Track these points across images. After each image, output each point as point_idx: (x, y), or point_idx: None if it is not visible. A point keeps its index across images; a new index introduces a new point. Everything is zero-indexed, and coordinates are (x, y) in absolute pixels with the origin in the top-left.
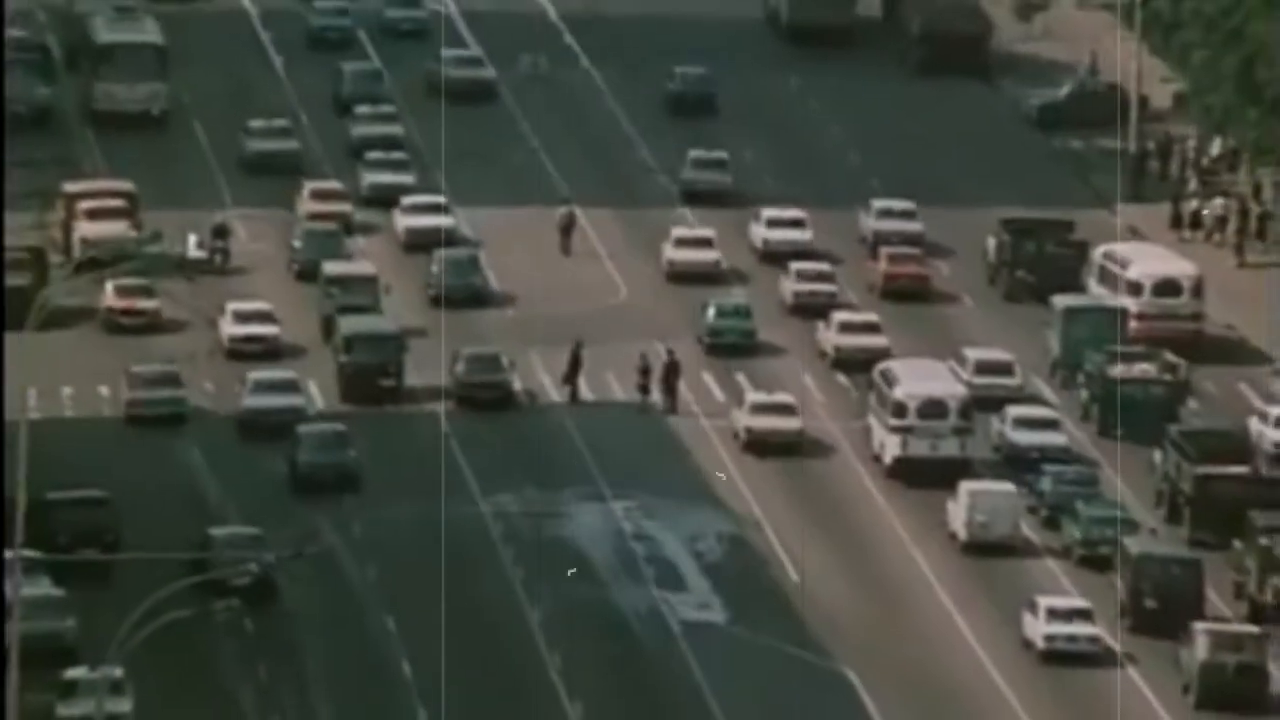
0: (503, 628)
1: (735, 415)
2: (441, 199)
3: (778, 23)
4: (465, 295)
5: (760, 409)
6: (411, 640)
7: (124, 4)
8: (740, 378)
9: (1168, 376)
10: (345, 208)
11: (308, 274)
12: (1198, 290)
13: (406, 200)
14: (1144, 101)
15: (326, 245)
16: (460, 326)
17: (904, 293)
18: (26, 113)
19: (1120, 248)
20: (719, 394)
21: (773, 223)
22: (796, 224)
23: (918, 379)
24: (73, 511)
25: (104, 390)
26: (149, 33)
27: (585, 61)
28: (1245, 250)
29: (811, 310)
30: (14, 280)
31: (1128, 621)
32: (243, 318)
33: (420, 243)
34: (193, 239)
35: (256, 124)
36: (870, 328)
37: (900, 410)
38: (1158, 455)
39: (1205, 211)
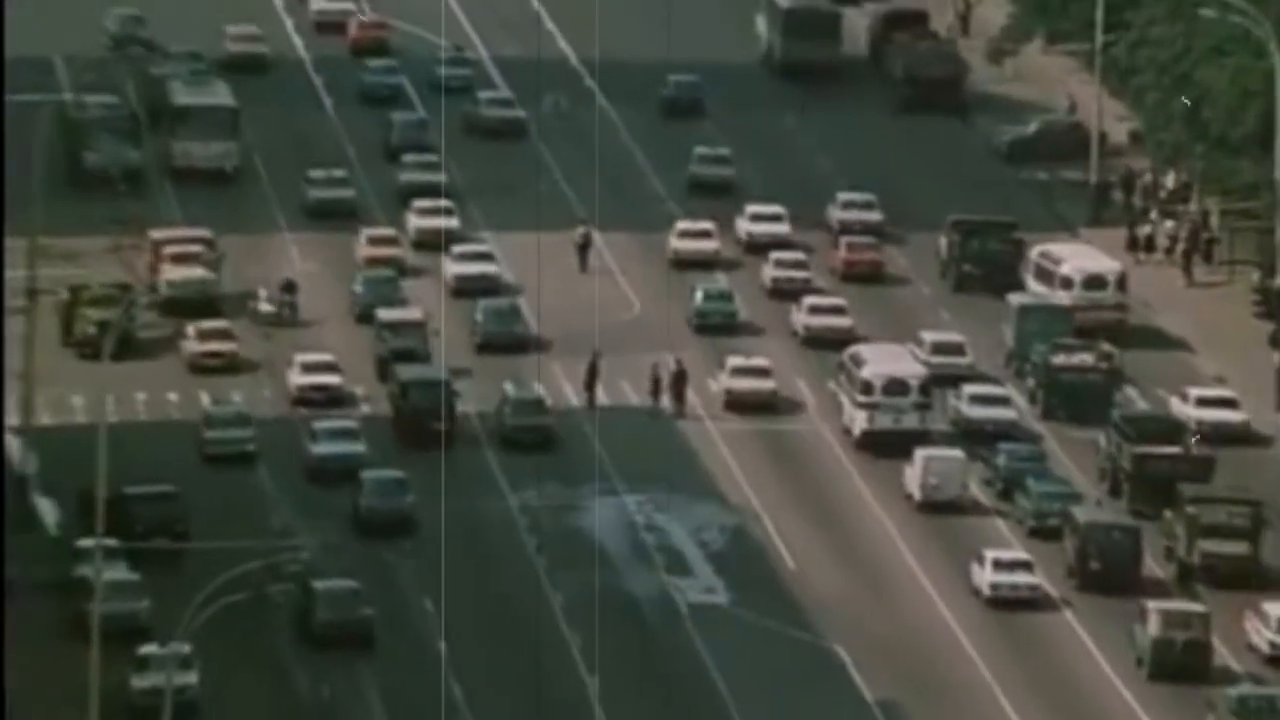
0: (530, 610)
1: (719, 378)
2: (486, 247)
3: (771, 61)
4: (507, 341)
5: (739, 372)
6: (450, 622)
7: (198, 68)
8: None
9: (1103, 365)
10: (398, 252)
11: (366, 318)
12: (1121, 284)
13: (456, 249)
14: (1104, 138)
15: (383, 290)
16: (502, 369)
17: (862, 276)
18: (117, 173)
19: (1054, 247)
20: (706, 366)
21: (756, 217)
22: (776, 218)
23: (882, 361)
24: (147, 504)
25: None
26: (221, 95)
27: (602, 100)
28: (1193, 270)
29: (788, 293)
30: (103, 314)
31: (1075, 580)
32: (308, 369)
33: (467, 288)
34: (263, 293)
35: (316, 174)
36: (836, 310)
37: (867, 389)
38: (1102, 438)
39: (1158, 236)
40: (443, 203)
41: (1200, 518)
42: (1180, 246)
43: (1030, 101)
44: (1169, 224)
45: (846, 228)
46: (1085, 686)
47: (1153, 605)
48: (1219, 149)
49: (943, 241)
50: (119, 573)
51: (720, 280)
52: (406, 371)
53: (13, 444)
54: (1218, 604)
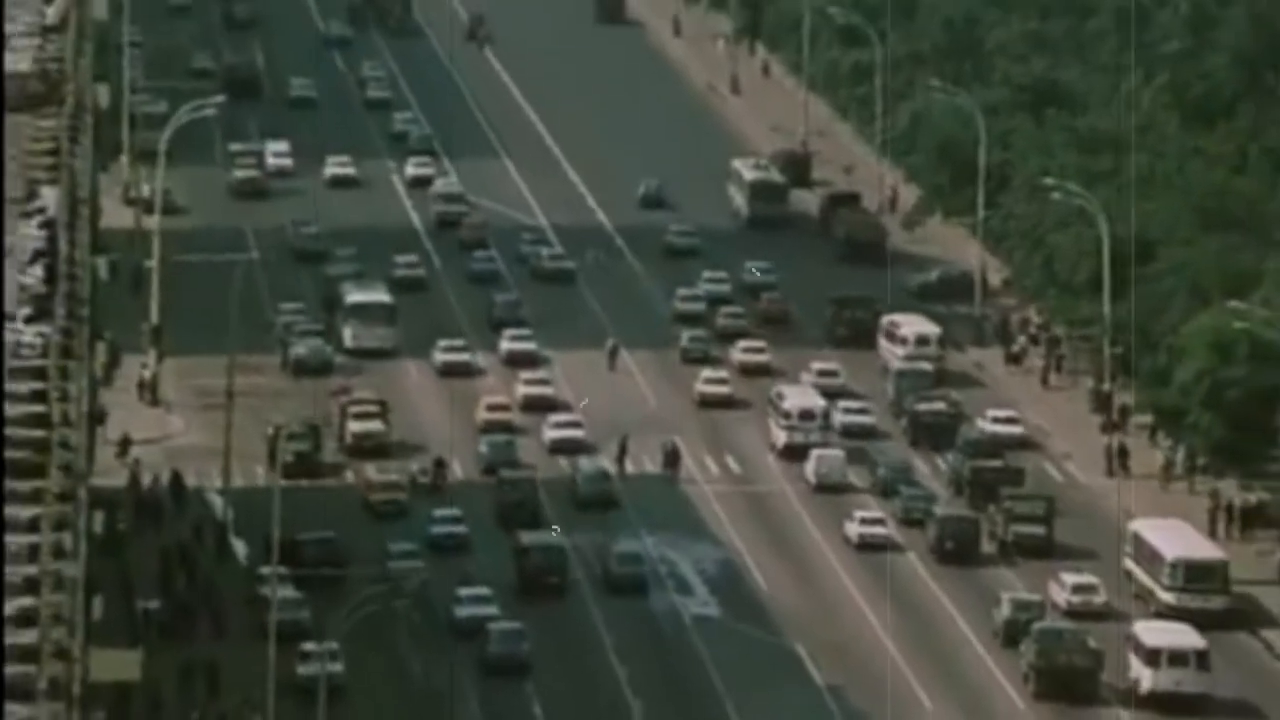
0: (577, 621)
1: (695, 386)
2: (578, 418)
3: (739, 217)
4: (602, 500)
5: (708, 381)
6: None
7: (360, 269)
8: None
9: (952, 409)
10: (510, 416)
11: (490, 471)
12: (942, 343)
13: (553, 418)
14: (985, 283)
15: (504, 451)
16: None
17: (772, 319)
18: (318, 366)
19: (897, 316)
20: (690, 385)
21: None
22: (723, 282)
23: (796, 397)
24: (314, 546)
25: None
26: (382, 294)
27: (629, 255)
28: (1049, 378)
29: (731, 335)
30: (300, 446)
31: (935, 556)
32: (442, 520)
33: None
34: (415, 467)
35: (443, 343)
36: (760, 350)
37: (787, 416)
38: (951, 455)
39: (1025, 354)
40: (541, 373)
41: (1013, 509)
42: (1039, 362)
43: (933, 257)
44: (1027, 344)
45: (762, 286)
46: (936, 622)
47: (1005, 595)
48: (1065, 292)
49: (827, 312)
50: (287, 592)
51: (701, 332)
52: (528, 538)
53: (216, 499)
54: (1029, 571)
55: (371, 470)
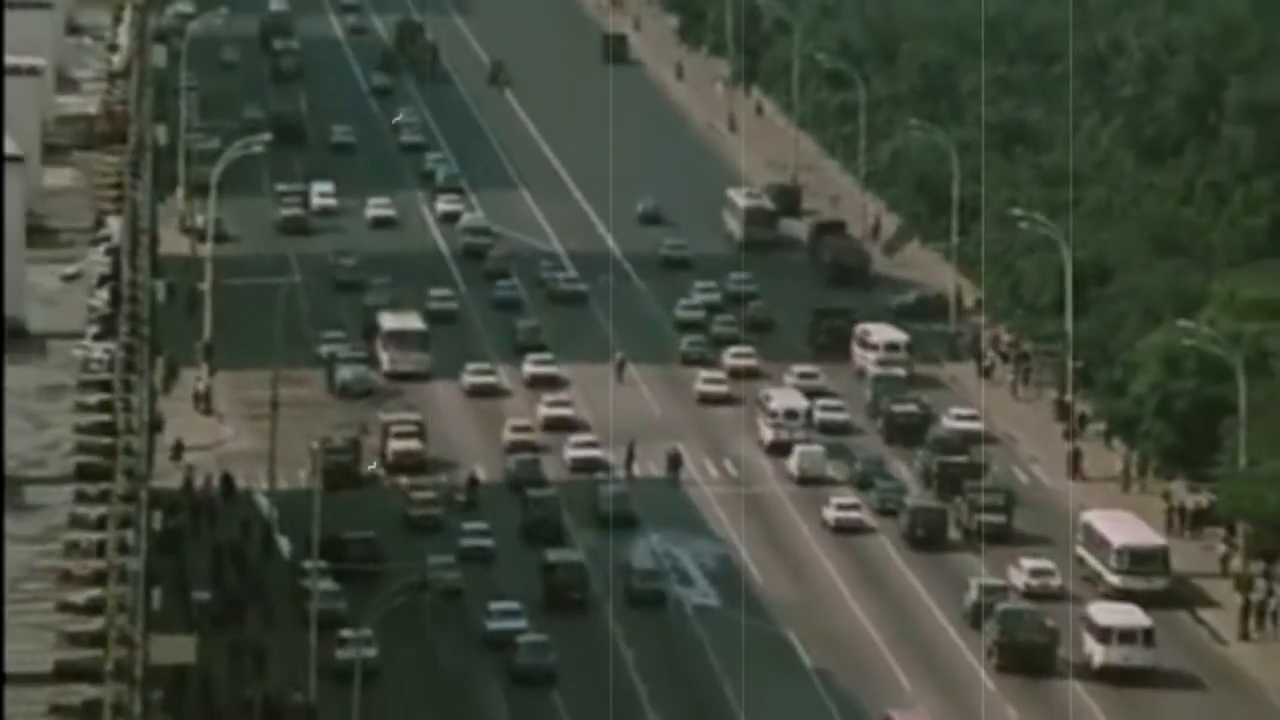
0: (591, 608)
1: (695, 385)
2: (594, 440)
3: (733, 241)
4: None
5: (706, 381)
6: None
7: (396, 297)
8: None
9: (922, 410)
10: (533, 437)
11: (516, 487)
12: (910, 349)
13: (573, 439)
14: (960, 304)
15: (529, 469)
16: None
17: (759, 324)
18: (362, 390)
19: (869, 326)
20: (689, 393)
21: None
22: (713, 291)
23: (781, 398)
24: (357, 544)
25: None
26: (416, 321)
27: (635, 277)
28: (1018, 390)
29: (725, 340)
30: (341, 459)
31: (907, 543)
32: (472, 534)
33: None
34: (448, 481)
35: (472, 366)
36: (749, 355)
37: (774, 415)
38: (921, 452)
39: (996, 368)
40: (562, 395)
41: (976, 500)
42: (1009, 376)
43: (912, 280)
44: (996, 360)
45: (748, 294)
46: (910, 603)
47: (972, 580)
48: (1031, 312)
49: (809, 321)
50: (327, 585)
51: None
52: (554, 555)
53: (263, 500)
54: (992, 557)
55: (409, 484)
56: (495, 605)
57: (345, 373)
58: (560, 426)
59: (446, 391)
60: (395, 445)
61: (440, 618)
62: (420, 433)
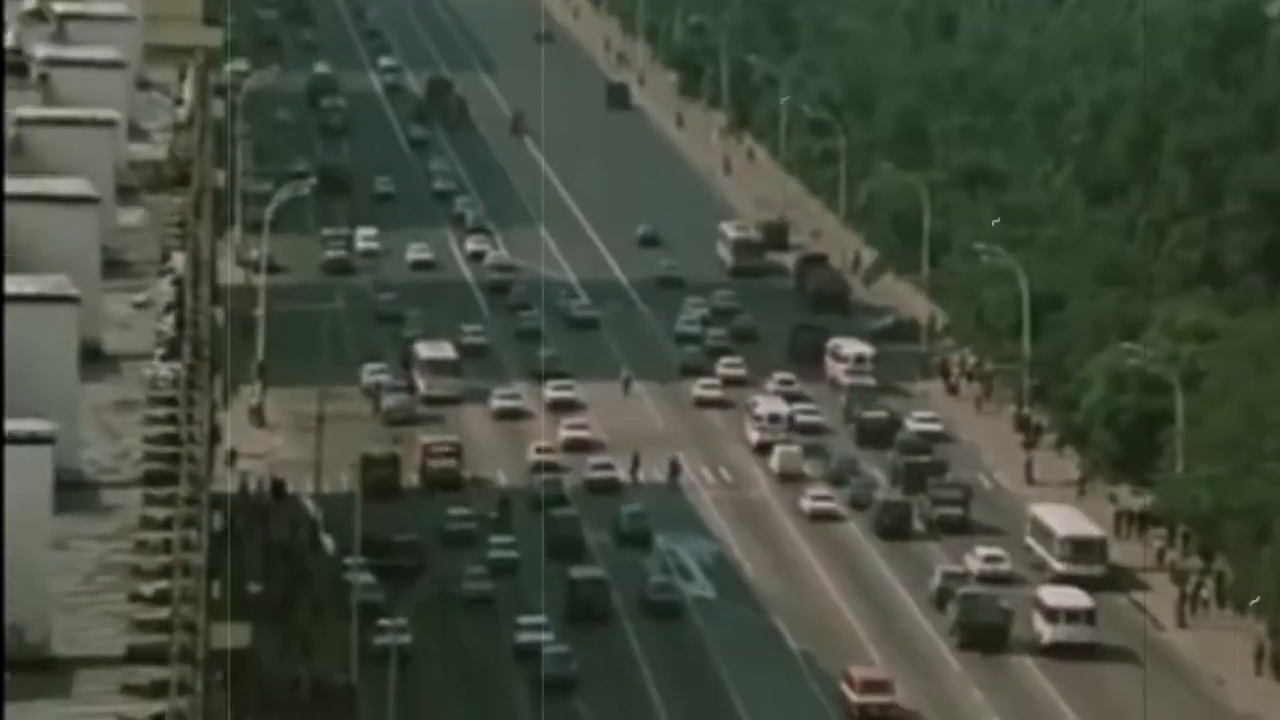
0: (600, 597)
1: (693, 390)
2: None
3: (725, 268)
4: (608, 487)
5: (704, 387)
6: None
7: (430, 329)
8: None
9: (890, 417)
10: (556, 458)
11: (538, 506)
12: (875, 360)
13: (592, 460)
14: (932, 328)
15: (552, 489)
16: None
17: (743, 335)
18: (404, 416)
19: (841, 340)
20: (685, 405)
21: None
22: (702, 306)
23: (766, 405)
24: (401, 546)
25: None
26: (449, 351)
27: (640, 304)
28: (981, 406)
29: (717, 351)
30: (382, 471)
31: (877, 533)
32: (500, 546)
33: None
34: (480, 499)
35: (499, 391)
36: (738, 365)
37: (759, 419)
38: (891, 453)
39: (961, 386)
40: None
41: (934, 494)
42: (974, 392)
43: (887, 307)
44: (958, 374)
45: (733, 309)
46: (880, 585)
47: (937, 568)
48: (993, 335)
49: (789, 334)
50: (366, 578)
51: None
52: (577, 572)
53: (308, 501)
54: (951, 545)
55: (447, 502)
56: (524, 619)
57: (389, 400)
58: (579, 447)
59: (477, 414)
60: (434, 464)
61: (464, 606)
62: (457, 453)
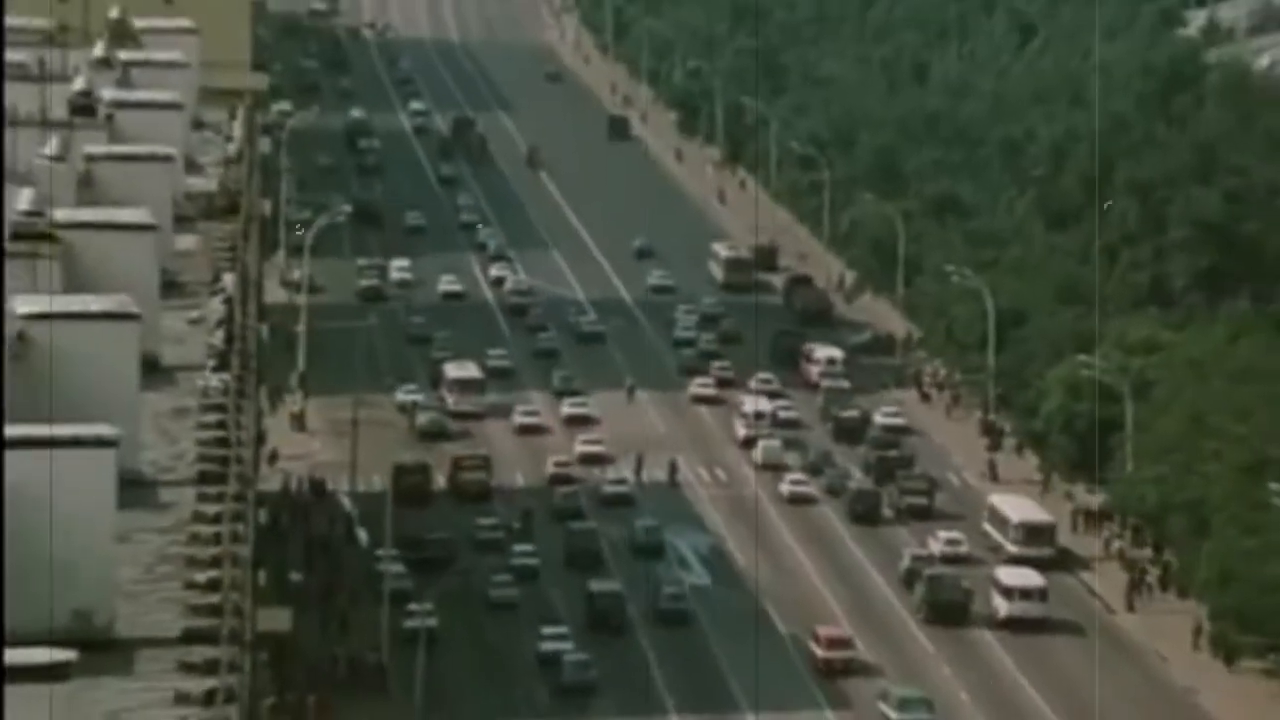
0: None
1: (689, 389)
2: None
3: (717, 284)
4: (621, 501)
5: (699, 385)
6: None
7: (457, 350)
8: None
9: (862, 416)
10: (573, 471)
11: (560, 519)
12: (847, 363)
13: (608, 474)
14: (908, 341)
15: (571, 502)
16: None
17: (729, 338)
18: (437, 432)
19: (815, 345)
20: (683, 411)
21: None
22: (692, 313)
23: (752, 403)
24: (434, 542)
25: None
26: (474, 370)
27: (642, 319)
28: (951, 412)
29: (709, 355)
30: (414, 479)
31: (849, 519)
32: (522, 553)
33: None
34: (506, 511)
35: (520, 408)
36: (727, 368)
37: (745, 416)
38: (863, 448)
39: (933, 394)
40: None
41: (903, 484)
42: (944, 400)
43: (866, 323)
44: (929, 383)
45: (723, 313)
46: (854, 567)
47: (906, 551)
48: (961, 349)
49: (769, 341)
50: (398, 568)
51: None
52: (595, 584)
53: (344, 499)
54: (917, 530)
55: (475, 512)
56: (547, 629)
57: (422, 418)
58: (593, 461)
59: (500, 429)
60: (465, 475)
61: (485, 597)
62: (485, 465)
